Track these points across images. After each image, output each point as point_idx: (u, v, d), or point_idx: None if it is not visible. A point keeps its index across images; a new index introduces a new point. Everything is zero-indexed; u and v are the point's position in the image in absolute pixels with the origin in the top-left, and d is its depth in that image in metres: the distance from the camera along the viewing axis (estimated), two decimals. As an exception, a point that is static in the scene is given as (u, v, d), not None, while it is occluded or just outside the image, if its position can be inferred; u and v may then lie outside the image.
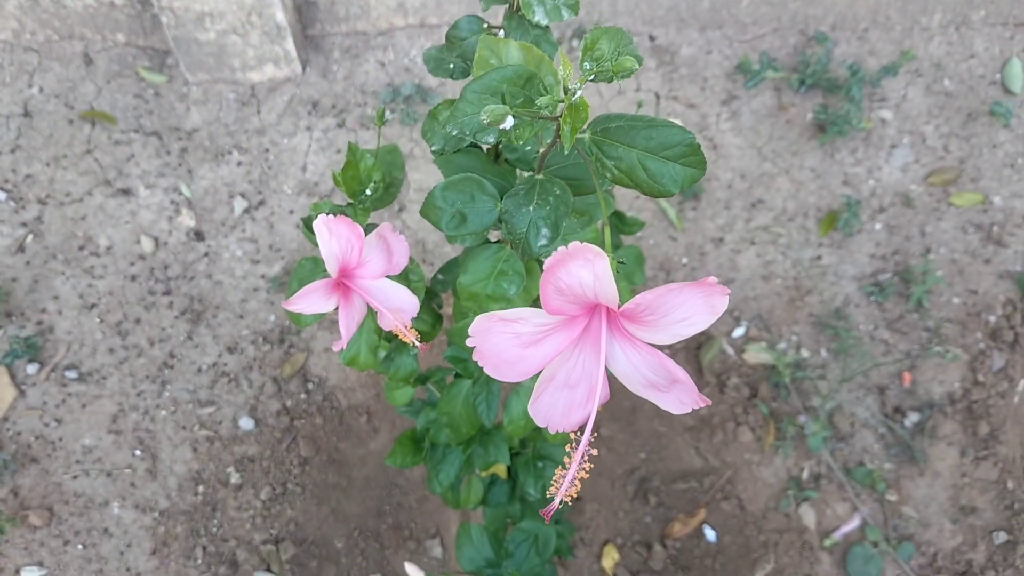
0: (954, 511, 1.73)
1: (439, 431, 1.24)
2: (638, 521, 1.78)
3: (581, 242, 0.48)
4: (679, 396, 0.53)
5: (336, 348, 0.89)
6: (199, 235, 1.99)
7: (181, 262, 1.96)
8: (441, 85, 2.06)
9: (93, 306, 1.93)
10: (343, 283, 0.89)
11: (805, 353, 1.85)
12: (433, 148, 0.91)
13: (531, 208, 0.67)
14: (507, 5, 0.81)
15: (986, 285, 1.90)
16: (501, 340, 0.53)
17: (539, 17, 0.77)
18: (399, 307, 0.90)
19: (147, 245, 1.97)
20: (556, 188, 0.67)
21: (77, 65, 2.11)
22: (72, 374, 1.87)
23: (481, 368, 1.09)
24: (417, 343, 0.86)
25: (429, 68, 0.89)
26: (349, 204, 1.00)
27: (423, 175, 2.00)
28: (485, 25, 0.82)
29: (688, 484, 1.78)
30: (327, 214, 0.84)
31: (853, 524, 1.72)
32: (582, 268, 0.49)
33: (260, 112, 2.07)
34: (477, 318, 0.52)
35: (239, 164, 2.03)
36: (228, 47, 2.01)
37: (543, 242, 0.66)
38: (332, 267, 0.86)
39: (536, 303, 0.92)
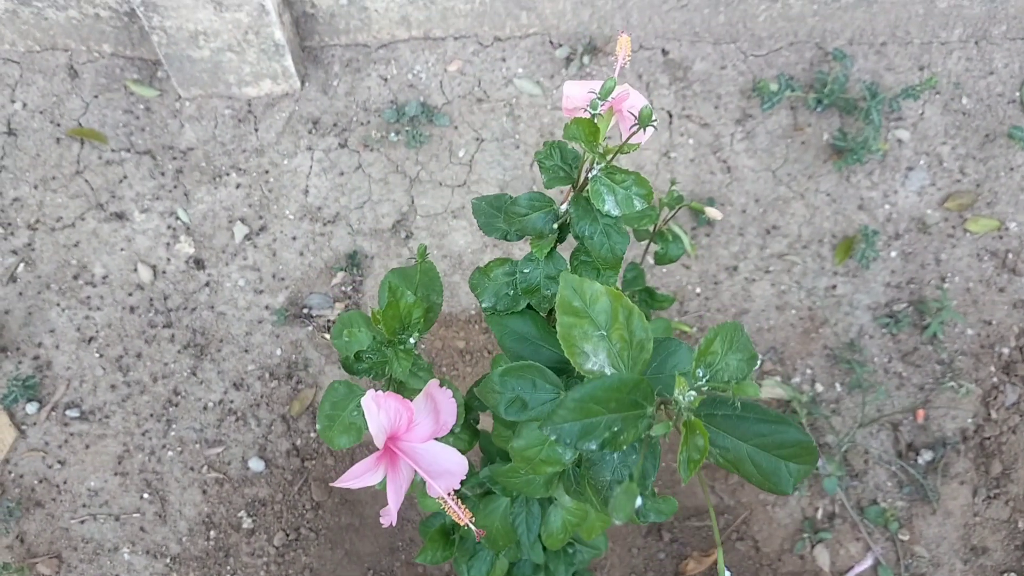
0: (965, 551, 1.75)
1: (469, 532, 1.22)
2: (652, 558, 1.79)
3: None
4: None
5: (385, 522, 0.86)
6: (199, 263, 1.92)
7: (181, 292, 1.90)
8: (447, 104, 1.98)
9: (91, 339, 1.88)
10: (389, 448, 0.86)
11: (819, 387, 1.84)
12: (484, 305, 0.87)
13: (615, 455, 0.63)
14: (570, 186, 0.75)
15: (1000, 315, 1.89)
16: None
17: (609, 207, 0.72)
18: (447, 470, 0.87)
19: (145, 274, 1.91)
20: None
21: (62, 78, 2.00)
22: (73, 413, 1.83)
23: (520, 487, 1.07)
24: (472, 525, 0.83)
25: (480, 223, 0.84)
26: (390, 343, 0.95)
27: (430, 200, 1.94)
28: (553, 214, 0.77)
29: (703, 522, 1.79)
30: (375, 389, 0.81)
31: (866, 564, 1.74)
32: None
33: (258, 130, 1.98)
34: None
35: (238, 186, 1.96)
36: (223, 64, 1.92)
37: (636, 505, 0.62)
38: (380, 440, 0.82)
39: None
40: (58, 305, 1.89)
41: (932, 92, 2.00)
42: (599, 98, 0.70)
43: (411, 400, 1.01)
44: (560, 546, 1.09)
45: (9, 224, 1.93)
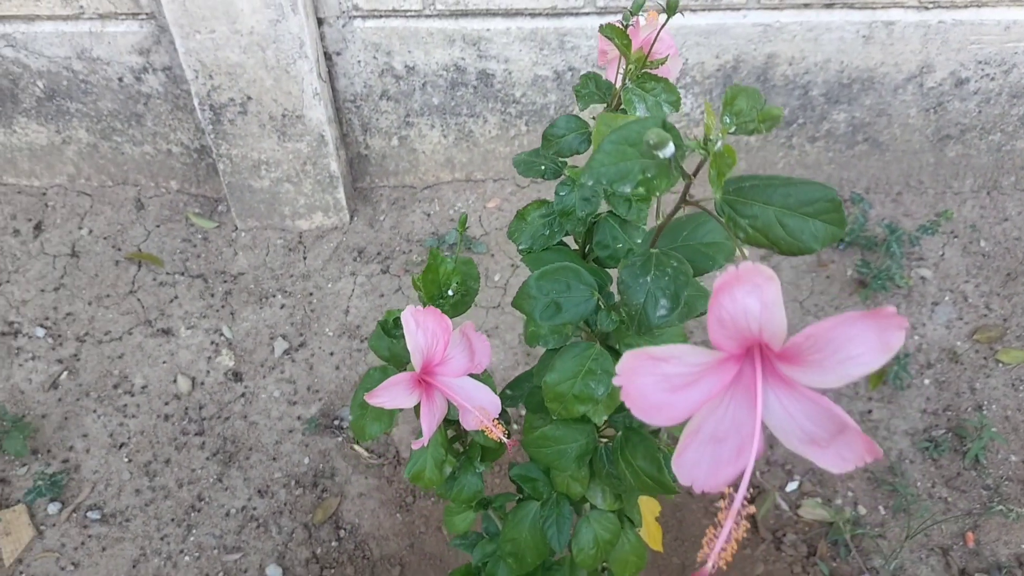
0: None
1: (496, 565, 1.17)
2: None
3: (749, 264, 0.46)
4: (840, 451, 0.50)
5: (416, 446, 0.85)
6: (237, 375, 1.96)
7: (216, 402, 1.93)
8: (485, 235, 2.09)
9: (122, 445, 1.88)
10: (424, 380, 0.86)
11: (862, 510, 1.77)
12: (521, 247, 0.91)
13: (648, 279, 0.65)
14: (606, 105, 0.83)
15: (1044, 444, 1.84)
16: (648, 382, 0.50)
17: (640, 113, 0.78)
18: (482, 405, 0.87)
19: (183, 385, 1.94)
20: (673, 260, 0.66)
21: (128, 209, 2.16)
22: (95, 515, 1.80)
23: (550, 489, 1.04)
24: (505, 439, 0.82)
25: (519, 170, 0.90)
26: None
27: (466, 321, 1.99)
28: (588, 134, 0.83)
29: (744, 650, 1.66)
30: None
31: None
32: (749, 295, 0.46)
33: (306, 258, 2.10)
34: (626, 354, 0.49)
35: (282, 307, 2.04)
36: (281, 195, 2.07)
37: (662, 312, 0.64)
38: (417, 360, 0.84)
39: (620, 408, 0.89)
40: (94, 412, 1.91)
41: (951, 235, 2.08)
42: (632, 11, 0.79)
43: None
44: (593, 565, 1.04)
45: (59, 336, 2.00)
